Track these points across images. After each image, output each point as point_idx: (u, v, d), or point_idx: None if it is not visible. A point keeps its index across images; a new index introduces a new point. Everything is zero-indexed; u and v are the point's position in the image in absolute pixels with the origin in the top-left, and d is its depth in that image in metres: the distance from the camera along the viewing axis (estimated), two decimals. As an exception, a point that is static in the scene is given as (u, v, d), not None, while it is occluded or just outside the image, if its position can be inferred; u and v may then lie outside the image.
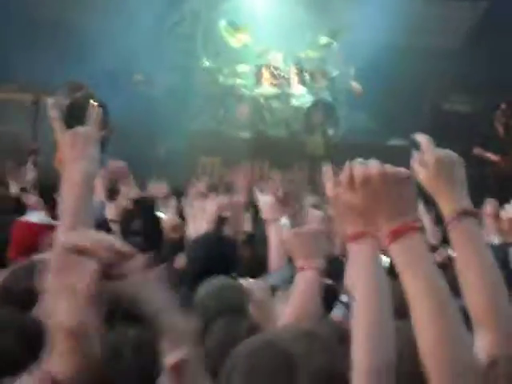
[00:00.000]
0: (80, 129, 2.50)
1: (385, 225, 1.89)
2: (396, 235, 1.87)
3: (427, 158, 2.13)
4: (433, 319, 1.82)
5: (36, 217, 4.28)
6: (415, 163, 2.16)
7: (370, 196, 1.91)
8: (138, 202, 5.21)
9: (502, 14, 13.38)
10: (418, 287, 1.86)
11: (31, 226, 4.18)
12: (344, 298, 3.74)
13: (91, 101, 3.01)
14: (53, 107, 2.52)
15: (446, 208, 2.09)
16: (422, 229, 1.91)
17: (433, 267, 1.88)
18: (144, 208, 5.27)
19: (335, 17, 13.59)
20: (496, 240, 5.84)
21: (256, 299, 3.45)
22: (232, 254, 4.49)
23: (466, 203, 2.08)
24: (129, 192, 5.37)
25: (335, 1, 14.07)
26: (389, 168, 1.93)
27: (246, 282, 3.63)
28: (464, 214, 2.05)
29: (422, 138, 2.16)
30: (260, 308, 3.46)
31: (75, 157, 2.43)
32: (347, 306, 3.68)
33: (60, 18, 13.47)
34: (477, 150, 11.83)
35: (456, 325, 1.83)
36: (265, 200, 5.08)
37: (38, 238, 4.06)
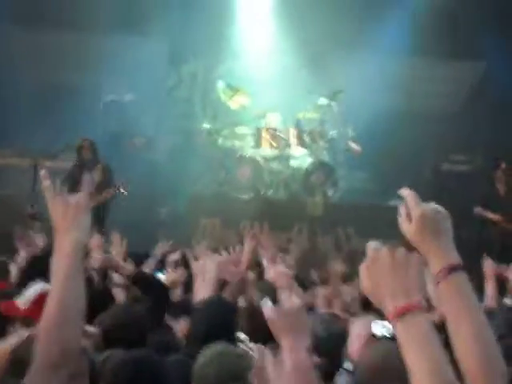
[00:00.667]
0: (71, 198, 2.49)
1: (390, 303, 1.94)
2: (400, 314, 1.92)
3: (412, 213, 2.12)
4: None
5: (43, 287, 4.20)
6: (401, 218, 2.15)
7: (378, 274, 1.98)
8: (136, 280, 5.28)
9: (500, 74, 13.50)
10: (420, 367, 1.87)
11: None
12: (347, 365, 3.68)
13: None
14: (45, 177, 2.51)
15: (433, 263, 2.07)
16: (426, 308, 1.95)
17: (435, 347, 1.90)
18: (143, 284, 5.31)
19: (334, 78, 13.70)
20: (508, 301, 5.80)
21: (257, 366, 3.38)
22: (232, 319, 4.47)
23: (453, 257, 2.06)
24: (124, 272, 5.42)
25: (334, 62, 14.21)
26: (399, 250, 2.00)
27: (247, 346, 3.56)
28: (451, 268, 2.04)
29: (406, 193, 2.16)
30: (260, 376, 3.39)
31: (66, 227, 2.43)
32: (352, 373, 3.62)
33: (60, 81, 13.58)
34: (477, 210, 11.81)
35: None
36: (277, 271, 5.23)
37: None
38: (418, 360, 1.88)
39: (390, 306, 1.95)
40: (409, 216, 2.13)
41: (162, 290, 5.37)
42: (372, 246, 2.04)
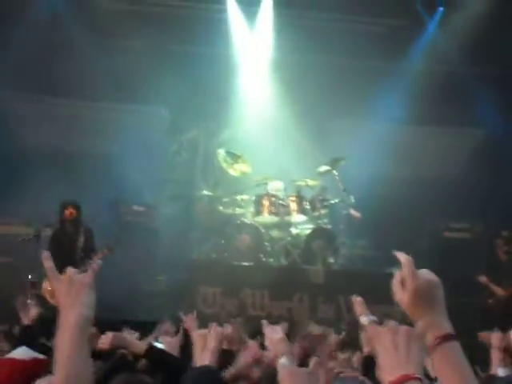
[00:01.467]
0: (75, 276, 2.50)
1: (387, 375, 1.99)
2: None
3: (407, 282, 2.15)
4: None
5: (20, 353, 4.17)
6: (395, 285, 2.18)
7: (380, 349, 2.04)
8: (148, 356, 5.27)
9: (500, 141, 13.59)
10: None
11: (16, 363, 4.07)
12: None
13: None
14: (46, 258, 2.52)
15: (427, 333, 2.09)
16: (420, 380, 1.98)
17: None
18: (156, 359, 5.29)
19: (335, 146, 13.79)
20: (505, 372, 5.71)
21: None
22: None
23: (446, 327, 2.09)
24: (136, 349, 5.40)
25: (335, 131, 14.33)
26: (400, 327, 2.07)
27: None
28: (445, 338, 2.06)
29: (402, 257, 2.21)
30: None
31: (70, 304, 2.43)
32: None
33: (58, 146, 13.67)
34: (483, 279, 11.79)
35: None
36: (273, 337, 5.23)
37: (23, 375, 3.96)
38: None
39: (386, 379, 1.98)
40: (403, 283, 2.16)
41: (177, 363, 5.33)
42: (369, 321, 2.12)
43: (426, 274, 2.17)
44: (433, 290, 2.15)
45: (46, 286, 10.63)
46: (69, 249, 10.89)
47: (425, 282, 2.14)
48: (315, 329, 7.65)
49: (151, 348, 5.40)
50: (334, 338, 7.55)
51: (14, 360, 4.08)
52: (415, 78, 13.57)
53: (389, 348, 2.02)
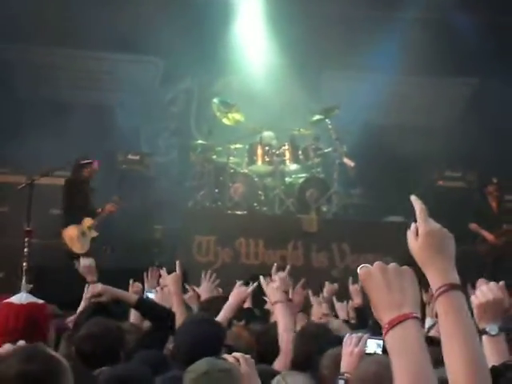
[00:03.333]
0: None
1: (385, 316, 2.00)
2: (390, 325, 1.97)
3: (420, 228, 2.17)
4: None
5: (19, 297, 4.22)
6: (410, 233, 2.20)
7: (373, 290, 2.04)
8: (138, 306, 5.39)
9: (493, 89, 13.58)
10: (403, 374, 1.91)
11: (15, 307, 4.12)
12: (340, 382, 3.73)
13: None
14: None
15: (434, 280, 2.12)
16: (417, 319, 1.99)
17: (422, 356, 1.94)
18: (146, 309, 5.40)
19: (327, 95, 13.79)
20: None
21: (245, 381, 3.40)
22: (218, 337, 4.49)
23: (453, 277, 2.10)
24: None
25: (328, 80, 14.32)
26: (391, 265, 2.07)
27: (232, 357, 3.56)
28: (451, 287, 2.08)
29: (417, 204, 2.21)
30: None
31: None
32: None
33: (54, 97, 13.64)
34: (473, 226, 11.93)
35: None
36: (271, 285, 5.35)
37: (22, 319, 4.02)
38: (403, 367, 1.92)
39: (384, 319, 2.00)
40: (416, 230, 2.18)
41: (167, 315, 5.42)
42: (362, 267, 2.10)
43: (438, 225, 2.18)
44: (444, 239, 2.16)
45: (70, 232, 10.84)
46: (85, 201, 11.09)
47: (437, 229, 2.16)
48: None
49: (141, 299, 5.52)
50: (327, 286, 7.63)
51: (10, 304, 4.13)
52: (409, 27, 13.51)
53: (381, 287, 2.02)
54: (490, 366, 2.86)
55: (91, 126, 12.26)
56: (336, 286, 7.64)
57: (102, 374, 3.60)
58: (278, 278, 5.86)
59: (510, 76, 13.00)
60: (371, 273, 2.06)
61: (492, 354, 3.16)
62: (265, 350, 5.02)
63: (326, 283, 7.38)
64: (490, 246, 11.97)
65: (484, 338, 3.27)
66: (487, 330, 3.26)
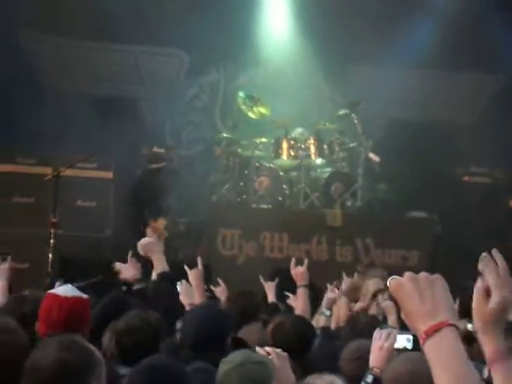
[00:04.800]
0: None
1: (421, 326, 1.99)
2: (427, 334, 1.96)
3: (496, 294, 2.04)
4: None
5: (64, 290, 4.27)
6: (477, 290, 2.08)
7: (406, 301, 2.03)
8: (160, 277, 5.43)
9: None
10: (445, 382, 1.89)
11: (59, 299, 4.18)
12: (369, 378, 3.71)
13: None
14: None
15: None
16: (454, 326, 1.97)
17: (462, 363, 1.92)
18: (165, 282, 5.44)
19: (353, 89, 13.74)
20: None
21: (278, 374, 3.41)
22: (224, 326, 4.53)
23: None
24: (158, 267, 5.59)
25: (354, 74, 14.25)
26: (420, 274, 2.05)
27: (264, 350, 3.58)
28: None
29: (499, 261, 2.07)
30: (282, 382, 3.42)
31: None
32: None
33: (78, 89, 13.68)
34: None
35: None
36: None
37: (65, 311, 4.08)
38: (444, 375, 1.90)
39: (420, 329, 1.98)
40: (488, 292, 2.05)
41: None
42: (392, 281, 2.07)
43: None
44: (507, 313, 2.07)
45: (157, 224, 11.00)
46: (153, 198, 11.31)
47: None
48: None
49: (165, 273, 5.55)
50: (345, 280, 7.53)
51: (56, 295, 4.19)
52: (437, 21, 13.39)
53: (414, 297, 2.00)
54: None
55: (116, 119, 12.29)
56: (355, 279, 7.55)
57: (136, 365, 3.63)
58: (295, 272, 6.04)
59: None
60: (402, 284, 2.04)
61: None
62: (279, 343, 5.02)
63: (344, 277, 7.25)
64: None
65: None
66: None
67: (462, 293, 4.78)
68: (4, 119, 12.30)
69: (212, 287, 7.49)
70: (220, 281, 7.40)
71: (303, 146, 12.79)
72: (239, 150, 13.01)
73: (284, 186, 12.81)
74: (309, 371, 4.69)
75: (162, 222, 11.36)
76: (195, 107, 14.51)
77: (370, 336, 4.43)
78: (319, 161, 12.91)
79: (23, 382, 2.92)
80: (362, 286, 7.59)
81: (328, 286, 6.72)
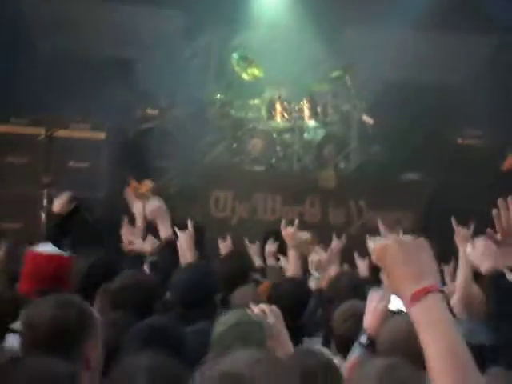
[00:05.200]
0: None
1: (406, 290, 1.97)
2: (414, 299, 1.95)
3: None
4: (452, 381, 1.84)
5: (46, 248, 4.27)
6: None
7: (391, 264, 2.01)
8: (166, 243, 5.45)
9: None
10: (435, 348, 1.88)
11: (43, 257, 4.18)
12: (363, 339, 3.73)
13: None
14: None
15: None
16: (441, 291, 1.97)
17: (452, 328, 1.92)
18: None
19: (347, 51, 13.66)
20: None
21: (273, 332, 3.43)
22: (212, 284, 4.60)
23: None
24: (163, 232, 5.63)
25: (347, 35, 14.16)
26: (405, 238, 2.06)
27: (259, 308, 3.59)
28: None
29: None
30: (277, 339, 3.44)
31: None
32: (366, 347, 3.67)
33: (72, 49, 13.57)
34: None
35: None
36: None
37: (49, 268, 4.08)
38: (434, 341, 1.89)
39: (405, 293, 1.97)
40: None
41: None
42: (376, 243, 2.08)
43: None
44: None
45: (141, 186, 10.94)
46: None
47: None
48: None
49: (171, 241, 5.56)
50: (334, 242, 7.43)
51: (40, 253, 4.20)
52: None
53: (399, 261, 1.99)
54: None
55: (109, 80, 12.20)
56: (343, 241, 7.46)
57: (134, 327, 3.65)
58: (285, 233, 6.07)
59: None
60: (387, 247, 2.02)
61: None
62: (275, 304, 5.06)
63: (334, 238, 7.21)
64: None
65: None
66: None
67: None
68: (-3, 80, 12.22)
69: (220, 240, 7.61)
70: (228, 236, 7.56)
71: (296, 108, 12.76)
72: (232, 112, 12.97)
73: (277, 148, 12.79)
74: (302, 334, 4.75)
75: (147, 184, 11.26)
76: (189, 68, 14.42)
77: (352, 297, 4.47)
78: (312, 123, 12.88)
79: (21, 338, 2.93)
80: None
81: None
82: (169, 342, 3.36)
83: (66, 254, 4.26)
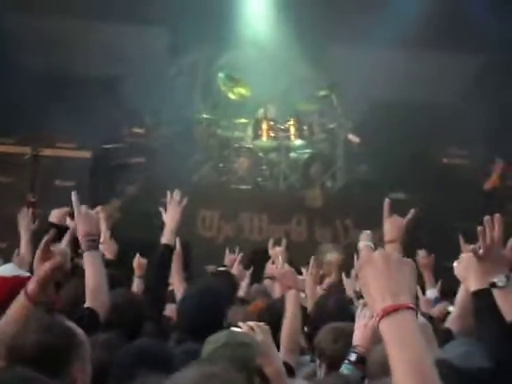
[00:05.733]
0: None
1: (379, 304, 1.98)
2: (385, 312, 1.95)
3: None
4: None
5: (3, 269, 4.19)
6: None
7: (371, 275, 2.03)
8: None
9: (501, 66, 13.49)
10: (401, 365, 1.89)
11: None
12: (352, 356, 3.72)
13: None
14: None
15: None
16: (414, 310, 1.97)
17: (419, 346, 1.91)
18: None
19: (333, 70, 13.70)
20: None
21: (263, 353, 3.41)
22: (222, 308, 4.54)
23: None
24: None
25: (333, 54, 14.21)
26: (393, 253, 2.07)
27: (247, 325, 3.57)
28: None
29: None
30: (266, 357, 3.42)
31: None
32: (355, 364, 3.66)
33: (56, 68, 13.55)
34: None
35: None
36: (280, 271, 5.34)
37: (5, 291, 3.97)
38: (400, 357, 1.90)
39: (378, 307, 1.98)
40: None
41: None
42: (365, 245, 2.10)
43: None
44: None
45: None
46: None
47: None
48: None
49: (168, 246, 5.46)
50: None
51: (16, 278, 4.09)
52: (419, 1, 13.37)
53: (380, 273, 2.00)
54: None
55: (95, 98, 12.19)
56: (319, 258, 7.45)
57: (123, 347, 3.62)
58: (274, 252, 6.02)
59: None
60: (374, 258, 2.04)
61: (506, 308, 3.15)
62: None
63: (312, 257, 7.01)
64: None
65: (495, 292, 3.27)
66: (495, 281, 3.26)
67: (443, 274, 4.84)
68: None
69: (227, 252, 7.73)
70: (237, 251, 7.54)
71: (283, 127, 12.78)
72: (219, 131, 12.98)
73: (264, 167, 12.81)
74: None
75: (113, 205, 11.22)
76: (175, 87, 14.43)
77: (340, 319, 4.41)
78: (299, 142, 12.90)
79: (5, 355, 2.89)
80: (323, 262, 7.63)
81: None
82: (158, 362, 3.34)
83: (25, 274, 4.12)
